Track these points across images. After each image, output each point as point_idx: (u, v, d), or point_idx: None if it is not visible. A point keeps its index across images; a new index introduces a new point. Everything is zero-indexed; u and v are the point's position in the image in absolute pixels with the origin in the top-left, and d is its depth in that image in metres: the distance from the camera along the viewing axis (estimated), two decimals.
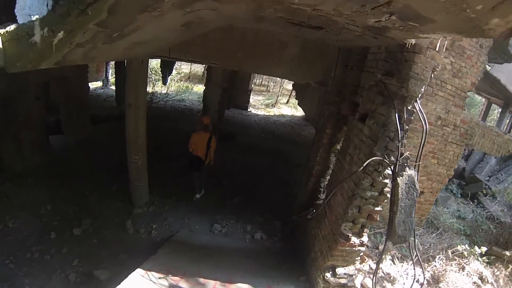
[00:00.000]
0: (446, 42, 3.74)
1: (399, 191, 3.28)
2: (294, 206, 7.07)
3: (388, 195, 4.14)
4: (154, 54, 5.72)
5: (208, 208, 7.55)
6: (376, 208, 4.21)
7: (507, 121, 17.86)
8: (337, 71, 5.73)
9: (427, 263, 6.77)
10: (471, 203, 11.00)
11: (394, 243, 3.47)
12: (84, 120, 10.31)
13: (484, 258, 7.00)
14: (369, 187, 3.99)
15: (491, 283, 6.50)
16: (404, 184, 3.32)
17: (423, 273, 4.59)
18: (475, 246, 7.17)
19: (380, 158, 3.61)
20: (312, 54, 5.63)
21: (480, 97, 20.14)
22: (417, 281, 4.87)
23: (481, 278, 6.59)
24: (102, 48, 3.84)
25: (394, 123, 3.69)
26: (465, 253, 7.05)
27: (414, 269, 4.42)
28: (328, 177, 6.00)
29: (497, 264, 7.15)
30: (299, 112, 20.41)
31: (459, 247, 7.26)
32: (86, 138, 10.17)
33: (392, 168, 3.44)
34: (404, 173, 3.37)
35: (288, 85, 24.93)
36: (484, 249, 7.04)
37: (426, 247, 7.44)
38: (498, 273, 6.90)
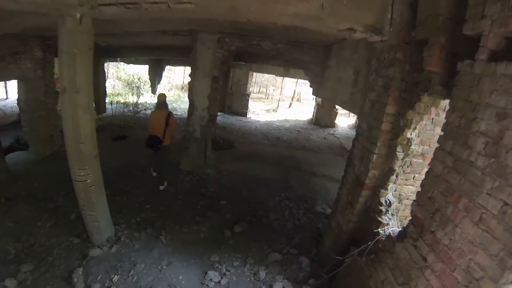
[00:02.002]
0: None
1: None
2: (328, 234, 4.59)
3: None
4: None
5: (198, 244, 5.00)
6: None
7: None
8: (395, 11, 3.33)
9: None
10: None
11: None
12: (50, 132, 8.21)
13: None
14: None
15: None
16: None
17: None
18: None
19: None
20: None
21: None
22: None
23: None
24: None
25: None
26: None
27: None
28: (392, 185, 3.53)
29: None
30: (304, 115, 18.23)
31: None
32: (54, 153, 8.19)
33: None
34: None
35: (288, 90, 22.85)
36: None
37: None
38: None
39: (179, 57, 10.84)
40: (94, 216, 4.54)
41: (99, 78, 12.28)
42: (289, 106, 20.35)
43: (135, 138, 9.93)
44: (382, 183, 3.56)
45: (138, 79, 19.52)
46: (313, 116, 16.85)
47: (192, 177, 7.22)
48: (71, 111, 3.87)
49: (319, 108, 16.43)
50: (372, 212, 3.60)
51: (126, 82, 19.33)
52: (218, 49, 6.72)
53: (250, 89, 17.20)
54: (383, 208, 3.50)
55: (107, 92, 14.96)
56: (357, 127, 4.16)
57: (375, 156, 3.49)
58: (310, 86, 7.00)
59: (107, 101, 14.44)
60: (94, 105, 4.47)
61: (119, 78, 20.06)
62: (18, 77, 7.12)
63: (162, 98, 6.50)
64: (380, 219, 3.45)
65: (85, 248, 4.64)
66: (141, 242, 4.84)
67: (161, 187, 6.66)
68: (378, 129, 3.46)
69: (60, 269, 4.22)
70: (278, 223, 5.84)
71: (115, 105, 14.20)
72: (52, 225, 5.07)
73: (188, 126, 7.16)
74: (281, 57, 7.25)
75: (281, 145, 11.72)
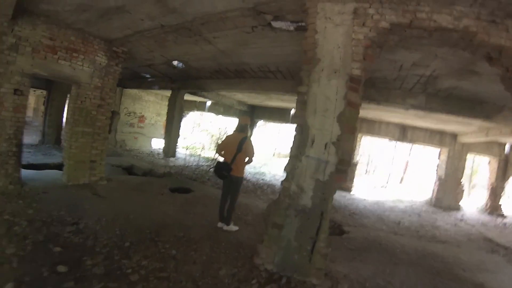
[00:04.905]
0: None
1: None
2: None
3: None
4: None
5: None
6: None
7: None
8: None
9: None
10: None
11: None
12: (93, 157, 6.44)
13: None
14: None
15: None
16: None
17: None
18: None
19: None
20: None
21: None
22: None
23: None
24: None
25: None
26: None
27: None
28: None
29: None
30: (419, 193, 14.09)
31: None
32: (88, 185, 6.19)
33: None
34: None
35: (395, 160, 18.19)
36: None
37: None
38: None
39: (278, 91, 7.62)
40: None
41: (174, 113, 9.72)
42: (400, 182, 15.54)
43: (202, 195, 6.75)
44: None
45: (225, 134, 17.16)
46: (432, 195, 12.28)
47: (277, 287, 3.24)
48: None
49: (440, 184, 11.90)
50: None
51: (211, 135, 17.18)
52: (357, 26, 3.20)
53: (359, 156, 13.20)
54: None
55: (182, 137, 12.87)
56: None
57: None
58: None
59: (180, 146, 12.19)
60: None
61: (205, 131, 18.25)
62: (68, 78, 5.73)
63: (243, 120, 5.11)
64: None
65: None
66: None
67: (225, 227, 4.82)
68: None
69: None
70: None
71: (190, 155, 11.76)
72: None
73: (287, 181, 3.28)
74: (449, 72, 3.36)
75: (405, 233, 7.50)
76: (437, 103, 7.00)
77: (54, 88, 10.61)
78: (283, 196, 3.18)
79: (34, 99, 20.57)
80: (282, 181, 3.30)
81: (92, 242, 3.68)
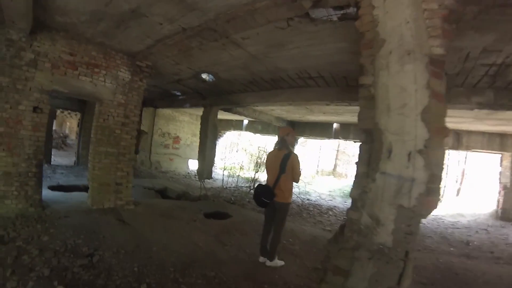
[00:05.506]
0: None
1: None
2: None
3: None
4: None
5: None
6: None
7: None
8: None
9: None
10: None
11: None
12: (118, 180, 5.87)
13: None
14: None
15: None
16: None
17: None
18: None
19: None
20: None
21: None
22: None
23: None
24: None
25: None
26: None
27: None
28: None
29: None
30: (479, 204, 12.29)
31: None
32: (114, 209, 5.60)
33: None
34: None
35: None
36: None
37: None
38: None
39: (321, 100, 6.64)
40: None
41: (207, 132, 9.03)
42: (457, 194, 13.84)
43: (241, 221, 5.96)
44: None
45: (265, 153, 16.33)
46: (497, 206, 10.59)
47: None
48: None
49: (506, 193, 10.22)
50: None
51: (250, 155, 16.44)
52: None
53: None
54: None
55: (219, 158, 12.18)
56: None
57: None
58: None
59: (217, 166, 11.53)
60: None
61: (244, 150, 17.57)
62: (89, 95, 5.39)
63: (282, 132, 4.20)
64: None
65: None
66: None
67: (268, 263, 3.90)
68: None
69: None
70: None
71: (229, 176, 11.09)
72: None
73: (355, 211, 2.23)
74: None
75: (478, 255, 6.24)
76: (508, 99, 5.67)
77: (87, 110, 10.52)
78: (350, 232, 2.19)
79: (76, 121, 21.21)
80: (347, 211, 2.30)
81: (103, 281, 3.07)
